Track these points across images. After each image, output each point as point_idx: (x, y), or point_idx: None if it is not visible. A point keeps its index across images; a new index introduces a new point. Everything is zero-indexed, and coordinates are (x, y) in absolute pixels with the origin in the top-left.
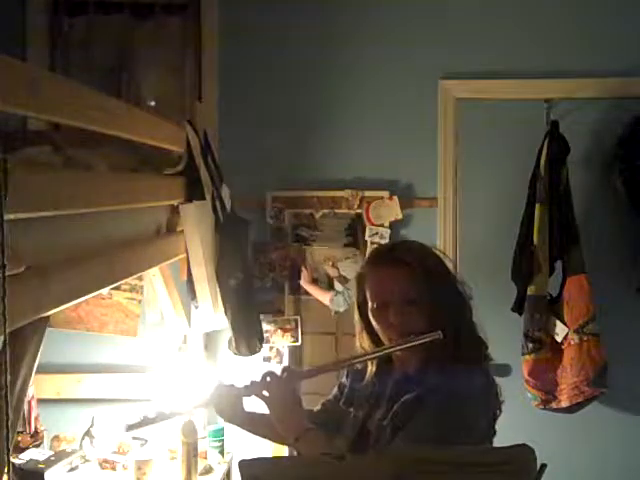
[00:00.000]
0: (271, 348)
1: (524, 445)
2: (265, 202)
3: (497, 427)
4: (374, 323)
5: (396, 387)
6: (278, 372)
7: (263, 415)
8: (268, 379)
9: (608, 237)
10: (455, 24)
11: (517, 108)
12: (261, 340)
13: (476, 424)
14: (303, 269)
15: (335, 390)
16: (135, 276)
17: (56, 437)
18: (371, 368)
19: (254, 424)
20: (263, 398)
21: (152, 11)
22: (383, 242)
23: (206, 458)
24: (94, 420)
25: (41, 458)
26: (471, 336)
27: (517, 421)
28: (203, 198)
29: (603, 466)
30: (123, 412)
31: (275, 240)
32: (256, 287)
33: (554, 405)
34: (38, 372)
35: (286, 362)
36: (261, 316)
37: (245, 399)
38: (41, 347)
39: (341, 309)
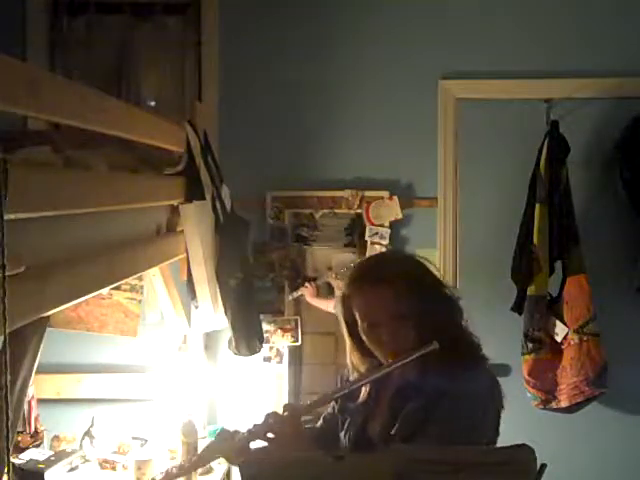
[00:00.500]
0: (271, 348)
1: (524, 445)
2: (265, 202)
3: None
4: (367, 341)
5: (397, 395)
6: (279, 411)
7: None
8: (271, 420)
9: (608, 237)
10: (455, 24)
11: (517, 108)
12: (261, 340)
13: (485, 425)
14: (307, 285)
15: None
16: (135, 276)
17: (56, 437)
18: (355, 367)
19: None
20: (268, 440)
21: (152, 11)
22: (383, 242)
23: None
24: (94, 420)
25: (41, 458)
26: (466, 339)
27: (517, 421)
28: (203, 198)
29: (603, 466)
30: (123, 412)
31: (275, 240)
32: (256, 287)
33: (554, 405)
34: (38, 372)
35: (286, 362)
36: (261, 316)
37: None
38: (41, 347)
39: None
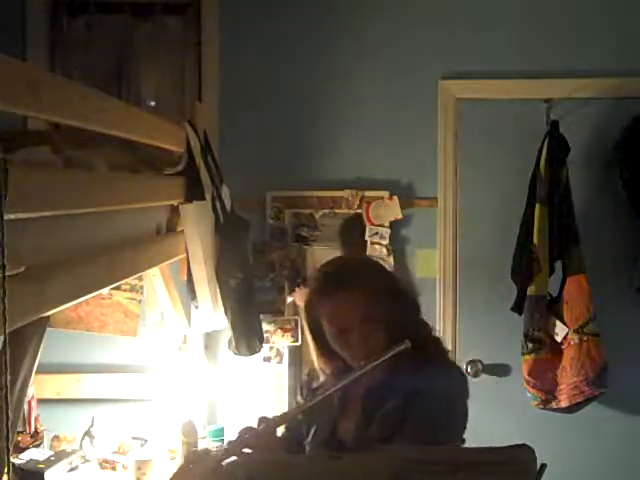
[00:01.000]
0: (271, 348)
1: (524, 445)
2: (265, 202)
3: (497, 427)
4: (337, 346)
5: (370, 396)
6: (253, 426)
7: None
8: (246, 435)
9: (608, 237)
10: (455, 24)
11: (517, 108)
12: (261, 340)
13: (459, 423)
14: (297, 289)
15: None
16: (135, 276)
17: (56, 437)
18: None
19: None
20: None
21: (152, 11)
22: (383, 242)
23: None
24: (94, 420)
25: (41, 458)
26: (433, 337)
27: (517, 421)
28: (203, 198)
29: (603, 466)
30: (123, 412)
31: (275, 240)
32: (256, 287)
33: (554, 405)
34: (38, 372)
35: (286, 362)
36: (261, 316)
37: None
38: (41, 347)
39: None
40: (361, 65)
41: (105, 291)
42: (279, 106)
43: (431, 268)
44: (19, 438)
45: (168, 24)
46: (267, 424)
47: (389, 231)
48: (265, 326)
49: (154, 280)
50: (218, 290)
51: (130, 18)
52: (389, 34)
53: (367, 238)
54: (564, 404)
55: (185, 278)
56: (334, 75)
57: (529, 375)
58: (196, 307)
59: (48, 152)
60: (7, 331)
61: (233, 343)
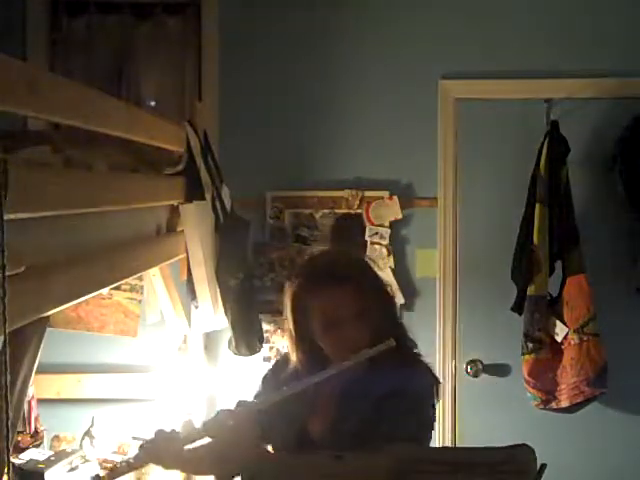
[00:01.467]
0: (271, 348)
1: (524, 445)
2: (265, 202)
3: (497, 427)
4: (322, 340)
5: (346, 394)
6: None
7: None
8: (221, 417)
9: (608, 237)
10: (455, 24)
11: (517, 108)
12: (261, 340)
13: (431, 422)
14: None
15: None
16: (135, 276)
17: (56, 437)
18: (299, 366)
19: (199, 462)
20: (220, 436)
21: (152, 11)
22: (383, 242)
23: None
24: (94, 420)
25: (41, 458)
26: (407, 336)
27: (517, 421)
28: (203, 198)
29: (603, 466)
30: (123, 412)
31: (275, 240)
32: (256, 287)
33: (554, 405)
34: (38, 372)
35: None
36: (261, 316)
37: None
38: (41, 347)
39: None
40: (361, 65)
41: (105, 291)
42: (279, 106)
43: (431, 268)
44: (19, 438)
45: (168, 24)
46: (244, 407)
47: (389, 231)
48: (265, 326)
49: (154, 280)
50: (218, 290)
51: (130, 18)
52: (389, 34)
53: (367, 238)
54: (564, 404)
55: (185, 278)
56: (334, 75)
57: (529, 375)
58: (196, 307)
59: (48, 152)
60: (7, 331)
61: (233, 343)
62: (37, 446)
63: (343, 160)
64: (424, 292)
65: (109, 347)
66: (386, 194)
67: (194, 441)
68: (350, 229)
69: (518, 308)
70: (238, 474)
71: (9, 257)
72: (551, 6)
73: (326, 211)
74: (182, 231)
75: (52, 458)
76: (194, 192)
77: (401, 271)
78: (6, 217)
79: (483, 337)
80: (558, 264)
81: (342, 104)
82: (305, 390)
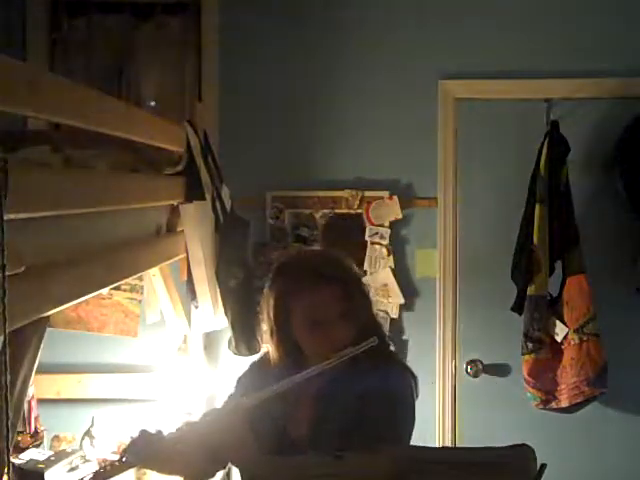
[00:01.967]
0: None
1: (524, 445)
2: (265, 202)
3: (497, 427)
4: (305, 339)
5: (327, 394)
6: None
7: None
8: (208, 418)
9: (608, 237)
10: (455, 24)
11: (517, 108)
12: (261, 340)
13: (412, 421)
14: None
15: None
16: (135, 276)
17: (56, 437)
18: (280, 366)
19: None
20: (206, 437)
21: (152, 11)
22: (383, 242)
23: None
24: (94, 420)
25: (41, 458)
26: (385, 334)
27: (517, 421)
28: (203, 198)
29: (603, 466)
30: (123, 412)
31: (275, 240)
32: (256, 287)
33: (554, 405)
34: (38, 372)
35: None
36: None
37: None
38: (41, 347)
39: None
40: (361, 65)
41: (105, 291)
42: (279, 106)
43: (431, 268)
44: (19, 438)
45: (168, 24)
46: (234, 405)
47: (389, 231)
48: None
49: (154, 280)
50: (218, 290)
51: (130, 18)
52: (389, 34)
53: (367, 238)
54: (564, 404)
55: (185, 278)
56: (334, 75)
57: (529, 375)
58: (196, 307)
59: (48, 152)
60: (7, 331)
61: (233, 343)
62: (37, 446)
63: (343, 160)
64: (424, 292)
65: (109, 347)
66: (386, 194)
67: (179, 442)
68: (350, 229)
69: (518, 308)
70: (223, 467)
71: (9, 257)
72: (551, 6)
73: (326, 211)
74: (182, 231)
75: (52, 458)
76: (194, 192)
77: (401, 271)
78: (6, 217)
79: (483, 337)
80: (558, 264)
81: (342, 104)
82: (285, 390)
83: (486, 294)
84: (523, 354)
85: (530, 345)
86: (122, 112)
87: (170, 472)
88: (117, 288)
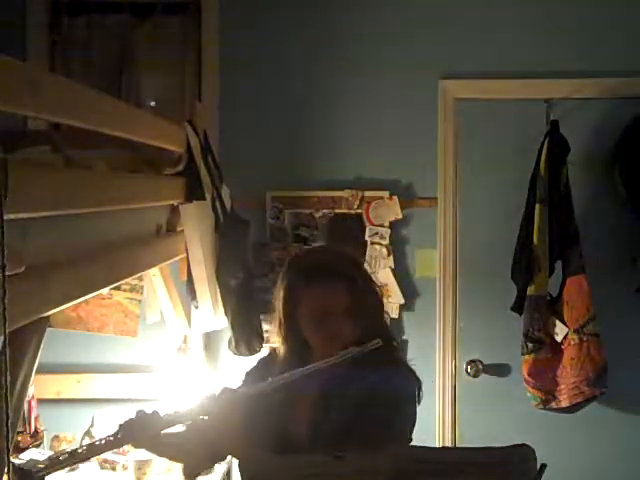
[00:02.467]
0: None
1: (524, 445)
2: (265, 202)
3: (497, 427)
4: (311, 335)
5: (329, 393)
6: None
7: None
8: (206, 402)
9: (608, 237)
10: (455, 24)
11: (517, 108)
12: (261, 340)
13: (413, 422)
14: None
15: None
16: (135, 276)
17: (56, 437)
18: (285, 360)
19: (177, 448)
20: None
21: (152, 11)
22: (383, 242)
23: None
24: (94, 420)
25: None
26: (392, 337)
27: (517, 421)
28: (203, 198)
29: (603, 466)
30: (123, 412)
31: (275, 240)
32: (256, 287)
33: (554, 405)
34: (38, 372)
35: None
36: (261, 316)
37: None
38: (41, 347)
39: None
40: (361, 65)
41: (105, 291)
42: (279, 106)
43: (431, 268)
44: (19, 438)
45: (168, 24)
46: (230, 395)
47: (389, 231)
48: (265, 326)
49: (154, 280)
50: (218, 290)
51: (130, 18)
52: (389, 34)
53: (367, 238)
54: (564, 404)
55: (185, 278)
56: (334, 75)
57: (529, 375)
58: (196, 307)
59: (48, 152)
60: (7, 331)
61: (233, 343)
62: (37, 446)
63: (343, 160)
64: (424, 292)
65: (109, 347)
66: (386, 194)
67: (174, 425)
68: (350, 229)
69: (518, 308)
70: (222, 460)
71: (9, 257)
72: (551, 6)
73: (326, 211)
74: (182, 231)
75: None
76: (194, 192)
77: (401, 271)
78: (6, 217)
79: (483, 337)
80: (558, 264)
81: (342, 104)
82: (286, 389)
83: (486, 294)
84: (523, 354)
85: (530, 345)
86: (122, 112)
87: (162, 455)
88: (117, 288)
